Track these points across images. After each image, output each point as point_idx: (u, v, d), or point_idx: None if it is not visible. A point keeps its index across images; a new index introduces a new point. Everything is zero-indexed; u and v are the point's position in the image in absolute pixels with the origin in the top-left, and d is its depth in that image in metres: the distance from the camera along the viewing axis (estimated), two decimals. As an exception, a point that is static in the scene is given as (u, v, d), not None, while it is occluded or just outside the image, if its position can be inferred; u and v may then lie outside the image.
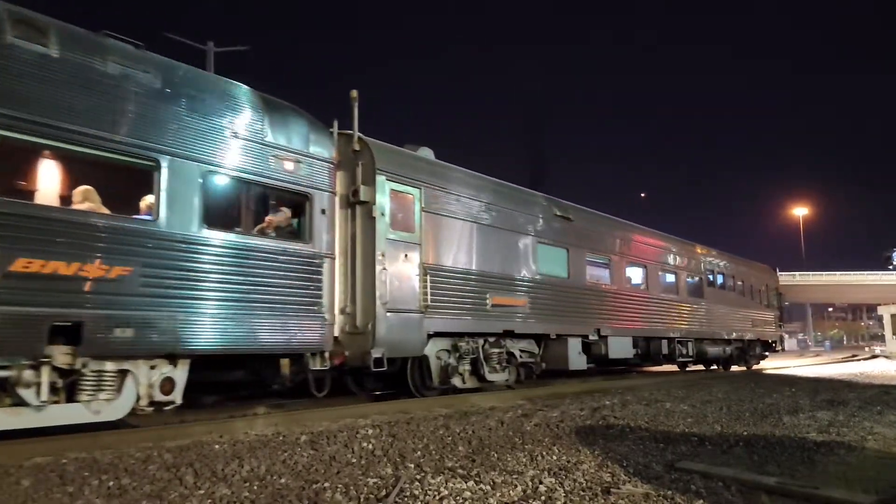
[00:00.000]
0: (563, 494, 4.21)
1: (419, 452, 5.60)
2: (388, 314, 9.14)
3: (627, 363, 16.95)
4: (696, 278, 19.29)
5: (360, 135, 9.42)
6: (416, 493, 4.18)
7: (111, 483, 4.40)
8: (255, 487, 4.37)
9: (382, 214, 9.31)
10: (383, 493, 4.22)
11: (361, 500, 4.10)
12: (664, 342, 16.78)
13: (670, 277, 17.96)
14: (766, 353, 25.24)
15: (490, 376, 11.23)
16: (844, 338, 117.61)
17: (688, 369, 21.42)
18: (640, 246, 16.41)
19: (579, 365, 13.05)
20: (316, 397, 9.05)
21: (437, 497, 4.11)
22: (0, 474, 4.65)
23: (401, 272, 9.52)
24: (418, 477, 4.60)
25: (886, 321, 45.68)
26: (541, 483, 4.46)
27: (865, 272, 65.29)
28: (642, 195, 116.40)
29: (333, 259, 8.82)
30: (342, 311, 8.97)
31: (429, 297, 9.88)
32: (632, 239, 16.21)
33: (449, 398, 10.16)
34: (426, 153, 11.47)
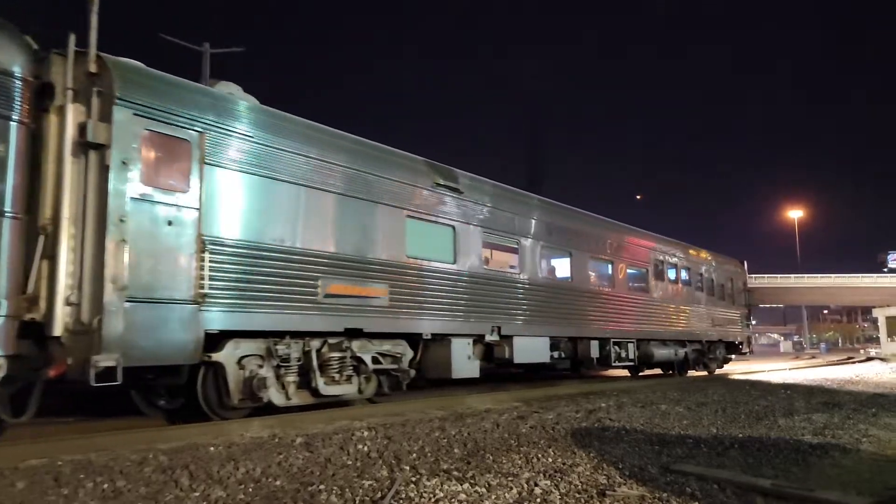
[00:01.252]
0: (559, 497, 4.22)
1: (414, 454, 5.60)
2: (129, 304, 6.58)
3: (555, 368, 15.34)
4: (641, 270, 16.81)
5: (100, 53, 6.87)
6: (412, 495, 4.18)
7: (106, 485, 4.39)
8: (251, 489, 4.37)
9: (124, 164, 6.75)
10: (378, 495, 4.22)
11: (357, 502, 4.09)
12: (594, 343, 14.22)
13: (605, 268, 15.46)
14: (732, 356, 23.07)
15: (328, 389, 8.69)
16: (840, 340, 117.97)
17: (641, 374, 19.06)
18: (564, 230, 13.77)
19: (468, 372, 10.74)
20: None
21: (433, 499, 4.11)
22: (-6, 476, 4.63)
23: (158, 246, 6.98)
24: (413, 479, 4.60)
25: (881, 324, 45.86)
26: (536, 485, 4.47)
27: (861, 275, 65.55)
28: (638, 196, 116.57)
29: (14, 219, 6.24)
30: (67, 302, 6.44)
31: (208, 281, 7.32)
32: (552, 221, 13.48)
33: (444, 399, 10.13)
34: (228, 89, 8.61)
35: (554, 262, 14.01)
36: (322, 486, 4.40)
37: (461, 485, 4.44)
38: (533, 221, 12.92)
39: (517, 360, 11.75)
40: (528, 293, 12.34)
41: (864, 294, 67.86)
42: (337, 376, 8.83)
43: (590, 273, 14.70)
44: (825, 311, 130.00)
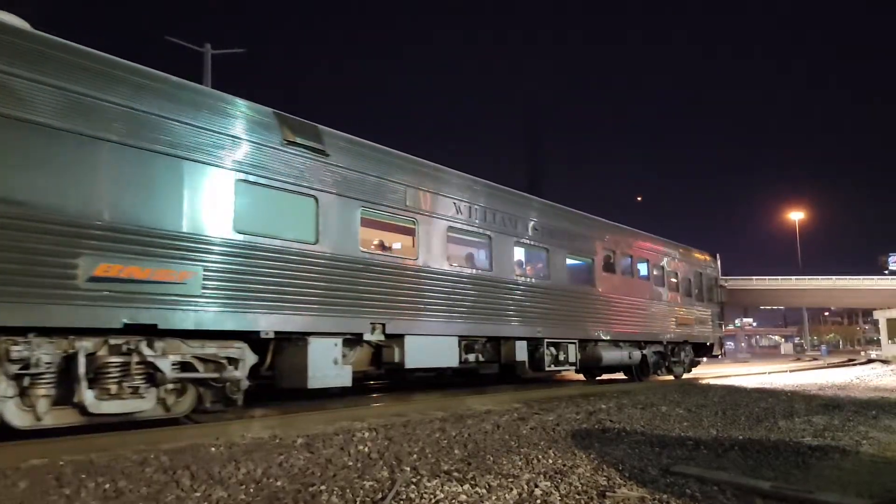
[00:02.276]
0: (559, 498, 4.23)
1: (415, 455, 5.61)
2: None
3: (477, 373, 13.45)
4: (586, 260, 14.53)
5: None
6: (412, 496, 4.20)
7: (107, 486, 4.41)
8: (252, 490, 4.38)
9: None
10: (379, 496, 4.23)
11: (358, 502, 4.11)
12: (521, 344, 12.03)
13: (537, 257, 13.35)
14: (702, 359, 20.98)
15: (101, 405, 6.53)
16: (840, 342, 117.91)
17: (599, 379, 17.52)
18: (482, 209, 11.54)
19: (333, 380, 8.54)
20: (311, 400, 8.81)
21: (433, 500, 4.12)
22: (-4, 476, 4.65)
23: None
24: (414, 480, 4.61)
25: (882, 326, 45.92)
26: (536, 487, 4.48)
27: (861, 277, 65.48)
28: (637, 198, 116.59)
29: None
30: None
31: None
32: (465, 198, 11.23)
33: (445, 400, 10.13)
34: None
35: (467, 247, 12.17)
36: (323, 487, 4.41)
37: (462, 486, 4.46)
38: (438, 198, 10.61)
39: (410, 363, 9.60)
40: (427, 284, 10.09)
41: (865, 296, 67.77)
42: (116, 388, 6.63)
43: (516, 262, 12.37)
44: (826, 313, 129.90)
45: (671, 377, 18.18)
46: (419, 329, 9.86)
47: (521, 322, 12.02)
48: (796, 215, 77.53)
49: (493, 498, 4.21)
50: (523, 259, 13.13)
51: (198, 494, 4.25)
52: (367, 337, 9.11)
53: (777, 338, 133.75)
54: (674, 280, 18.43)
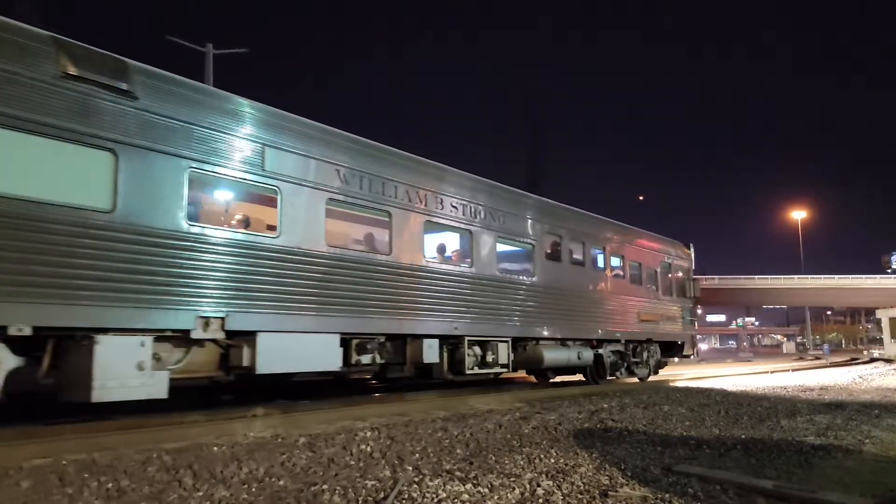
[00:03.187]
0: (561, 497, 4.23)
1: (417, 455, 5.61)
2: None
3: (384, 377, 11.22)
4: (524, 247, 12.56)
5: None
6: (415, 495, 4.20)
7: (110, 485, 4.41)
8: (254, 489, 4.38)
9: None
10: (381, 495, 4.23)
11: (360, 502, 4.11)
12: (431, 343, 10.11)
13: (455, 240, 11.47)
14: (674, 359, 19.40)
15: None
16: (843, 341, 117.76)
17: (552, 381, 15.60)
18: (376, 179, 9.46)
19: (135, 391, 6.64)
20: (314, 399, 8.70)
21: (435, 499, 4.13)
22: (0, 475, 4.66)
23: None
24: (416, 479, 4.61)
25: (885, 325, 45.84)
26: (538, 486, 4.48)
27: (864, 276, 65.36)
28: (640, 197, 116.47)
29: None
30: None
31: None
32: (353, 164, 9.16)
33: (447, 399, 10.14)
34: None
35: (358, 225, 10.39)
36: (325, 486, 4.42)
37: (464, 485, 4.46)
38: (312, 162, 8.61)
39: (265, 367, 7.71)
40: (292, 268, 8.21)
41: (868, 295, 67.66)
42: None
43: (426, 245, 10.40)
44: (828, 312, 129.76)
45: (635, 380, 16.25)
46: (279, 325, 7.93)
47: (432, 317, 10.07)
48: (798, 214, 77.45)
49: (496, 497, 4.21)
50: (437, 242, 11.31)
51: (200, 494, 4.25)
52: (197, 335, 7.17)
53: (779, 337, 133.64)
54: (636, 271, 16.29)
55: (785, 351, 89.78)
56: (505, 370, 11.68)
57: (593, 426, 7.49)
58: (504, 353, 11.51)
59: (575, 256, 13.96)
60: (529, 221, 12.62)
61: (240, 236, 7.79)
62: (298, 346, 8.20)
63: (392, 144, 10.31)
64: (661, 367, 17.79)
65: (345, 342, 8.84)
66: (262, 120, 8.18)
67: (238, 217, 8.58)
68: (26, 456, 5.30)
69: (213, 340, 7.53)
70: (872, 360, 40.42)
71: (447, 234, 11.36)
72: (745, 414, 8.73)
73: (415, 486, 4.42)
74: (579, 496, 4.26)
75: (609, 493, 4.33)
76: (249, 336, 7.68)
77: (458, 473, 4.82)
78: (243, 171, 7.86)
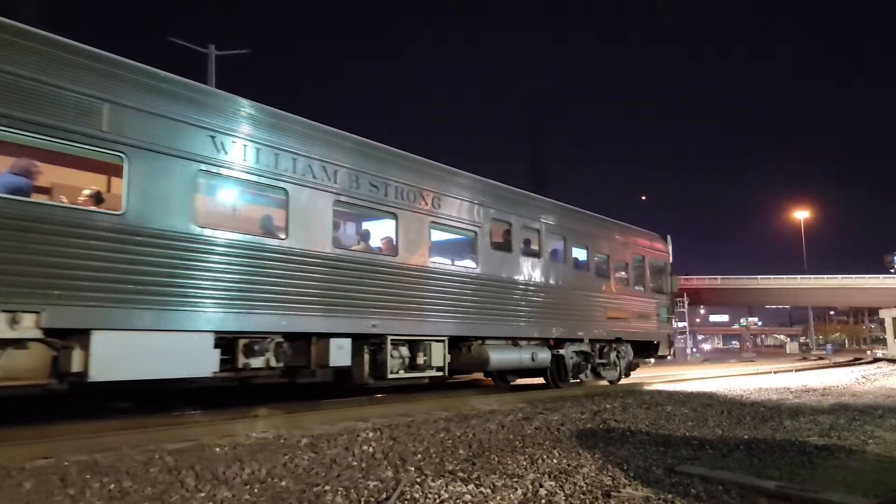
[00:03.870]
0: (564, 498, 4.22)
1: (419, 455, 5.61)
2: None
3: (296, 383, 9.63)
4: (464, 234, 11.14)
5: None
6: (417, 496, 4.19)
7: (112, 486, 4.42)
8: (256, 490, 4.38)
9: None
10: (384, 496, 4.23)
11: (362, 502, 4.11)
12: (341, 343, 8.70)
13: (373, 223, 10.19)
14: (650, 360, 18.09)
15: None
16: (846, 341, 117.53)
17: (514, 384, 14.29)
18: (255, 147, 7.90)
19: None
20: (315, 399, 8.58)
21: (438, 500, 4.12)
22: (2, 476, 4.67)
23: None
24: (419, 480, 4.61)
25: (888, 324, 45.66)
26: (541, 486, 4.47)
27: (867, 275, 65.28)
28: (643, 197, 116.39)
29: None
30: None
31: None
32: (223, 127, 7.61)
33: (449, 400, 10.13)
34: None
35: (244, 203, 8.95)
36: (327, 487, 4.42)
37: (466, 485, 4.45)
38: (174, 125, 7.18)
39: (101, 374, 6.30)
40: (144, 253, 6.76)
41: (871, 295, 67.58)
42: None
43: (337, 229, 9.13)
44: (832, 312, 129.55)
45: (604, 382, 14.85)
46: (122, 321, 6.51)
47: (341, 314, 8.65)
48: (801, 214, 77.30)
49: (498, 498, 4.20)
50: (351, 226, 10.22)
51: (202, 495, 4.25)
52: (3, 334, 5.83)
53: (782, 337, 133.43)
54: (603, 264, 14.75)
55: (788, 351, 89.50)
56: (440, 374, 10.20)
57: (596, 427, 7.48)
58: (438, 354, 10.05)
59: (528, 246, 12.48)
60: (471, 206, 11.02)
61: (58, 211, 6.27)
62: (152, 348, 6.78)
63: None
64: (633, 369, 16.11)
65: (229, 343, 7.58)
66: (101, 72, 6.67)
67: (66, 187, 7.20)
68: (28, 456, 5.32)
69: (42, 341, 6.13)
70: (876, 360, 40.31)
71: (365, 217, 10.15)
72: (748, 414, 8.72)
73: (417, 486, 4.42)
74: (582, 497, 4.26)
75: (612, 493, 4.32)
76: (82, 335, 6.28)
77: (460, 474, 4.82)
78: (71, 130, 6.35)
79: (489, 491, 4.34)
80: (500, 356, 11.24)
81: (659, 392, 12.55)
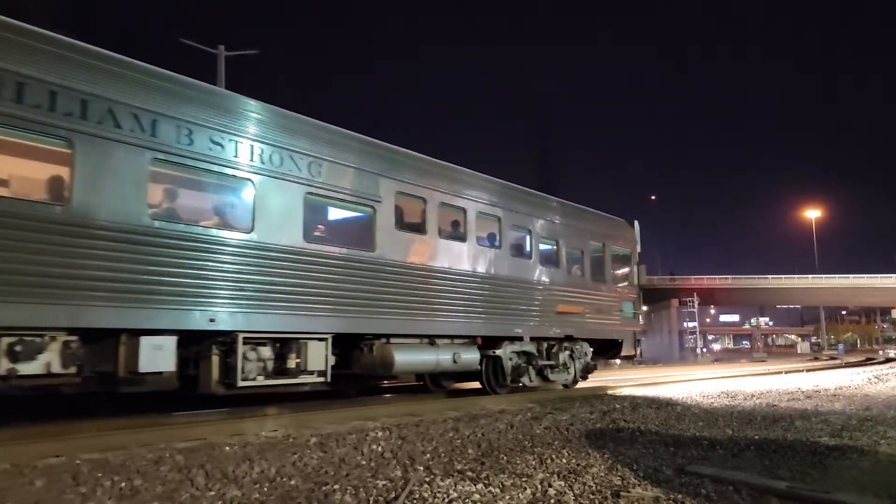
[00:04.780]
0: (573, 498, 4.21)
1: (428, 455, 5.61)
2: None
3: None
4: (357, 208, 9.25)
5: None
6: (426, 495, 4.19)
7: (123, 484, 4.44)
8: (266, 489, 4.39)
9: None
10: (392, 495, 4.23)
11: (371, 502, 4.11)
12: (157, 344, 6.82)
13: (218, 191, 8.10)
14: (615, 361, 16.36)
15: None
16: (858, 341, 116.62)
17: (451, 389, 12.74)
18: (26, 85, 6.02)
19: None
20: (324, 398, 8.47)
21: (447, 500, 4.12)
22: (14, 474, 4.70)
23: None
24: (427, 479, 4.61)
25: (901, 324, 45.28)
26: (550, 486, 4.46)
27: (878, 275, 64.71)
28: (652, 197, 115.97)
29: None
30: None
31: None
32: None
33: (458, 400, 10.11)
34: None
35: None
36: (336, 486, 4.42)
37: (475, 485, 4.45)
38: None
39: None
40: None
41: (883, 294, 67.00)
42: None
43: (160, 197, 7.43)
44: (843, 312, 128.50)
45: (558, 386, 13.01)
46: None
47: (159, 303, 6.79)
48: (812, 213, 76.75)
49: (507, 497, 4.19)
50: (179, 192, 7.75)
51: (212, 493, 4.27)
52: None
53: (794, 337, 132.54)
54: (552, 251, 12.87)
55: (799, 351, 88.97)
56: (321, 379, 8.32)
57: (605, 426, 7.46)
58: (318, 355, 8.24)
59: (450, 228, 10.66)
60: (367, 176, 9.09)
61: None
62: None
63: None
64: (591, 371, 13.98)
65: None
66: None
67: None
68: (40, 454, 5.36)
69: None
70: (888, 360, 40.01)
71: (204, 184, 7.90)
72: (759, 414, 8.66)
73: (426, 486, 4.42)
74: (591, 497, 4.24)
75: (621, 493, 4.30)
76: None
77: (469, 473, 4.82)
78: None
79: (498, 490, 4.34)
80: (408, 358, 9.45)
81: (634, 397, 12.48)
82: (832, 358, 51.08)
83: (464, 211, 10.70)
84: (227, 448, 5.81)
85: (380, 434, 6.65)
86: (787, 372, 22.84)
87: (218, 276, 7.27)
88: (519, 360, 11.68)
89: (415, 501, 4.09)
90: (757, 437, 6.74)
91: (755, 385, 14.87)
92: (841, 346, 69.18)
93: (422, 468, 5.02)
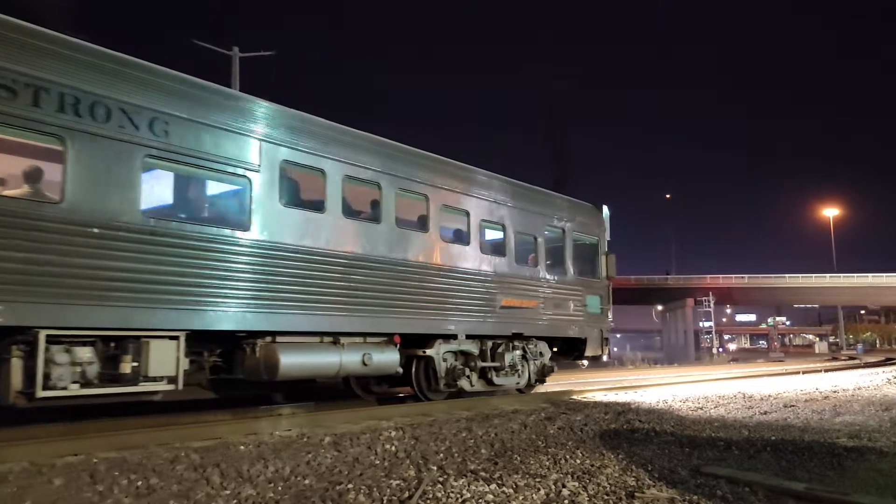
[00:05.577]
0: (587, 498, 4.20)
1: (441, 455, 5.61)
2: None
3: None
4: (226, 179, 7.76)
5: None
6: (439, 495, 4.20)
7: (140, 482, 4.49)
8: (280, 488, 4.42)
9: None
10: (406, 494, 4.24)
11: (384, 501, 4.12)
12: None
13: (33, 156, 6.52)
14: (582, 362, 14.69)
15: None
16: (878, 341, 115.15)
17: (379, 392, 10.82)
18: None
19: None
20: (337, 398, 8.43)
21: (460, 500, 4.12)
22: (33, 473, 4.76)
23: None
24: (441, 479, 4.61)
25: (921, 324, 44.68)
26: (564, 487, 4.45)
27: (897, 274, 63.87)
28: (667, 196, 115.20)
29: None
30: None
31: None
32: None
33: (470, 400, 10.10)
34: None
35: None
36: (350, 486, 4.44)
37: (488, 485, 4.45)
38: None
39: None
40: None
41: (903, 293, 66.16)
42: None
43: None
44: (862, 312, 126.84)
45: (513, 390, 11.36)
46: None
47: None
48: (830, 212, 75.90)
49: (521, 498, 4.19)
50: None
51: (227, 492, 4.30)
52: None
53: (811, 337, 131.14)
54: (496, 237, 11.37)
55: (817, 351, 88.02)
56: (171, 386, 6.74)
57: (620, 427, 7.42)
58: (165, 358, 6.70)
59: (357, 207, 9.04)
60: (239, 140, 7.55)
61: None
62: None
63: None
64: (548, 374, 12.18)
65: None
66: None
67: None
68: (59, 453, 5.42)
69: None
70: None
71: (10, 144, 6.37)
72: (775, 415, 8.57)
73: (439, 485, 4.42)
74: (605, 497, 4.23)
75: (635, 494, 4.28)
76: None
77: (482, 473, 4.81)
78: None
79: (511, 491, 4.33)
80: (298, 360, 7.93)
81: (645, 398, 12.39)
82: (851, 358, 50.47)
83: (378, 186, 9.03)
84: (242, 447, 5.85)
85: (393, 434, 6.66)
86: (804, 372, 22.59)
87: (5, 258, 5.69)
88: (456, 361, 10.16)
89: (428, 501, 4.10)
90: (773, 437, 6.67)
91: (772, 385, 14.73)
92: (860, 346, 68.40)
93: (435, 468, 5.03)
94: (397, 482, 4.55)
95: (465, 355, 10.32)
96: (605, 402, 10.07)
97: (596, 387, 14.29)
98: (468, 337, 10.20)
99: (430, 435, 6.62)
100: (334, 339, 8.46)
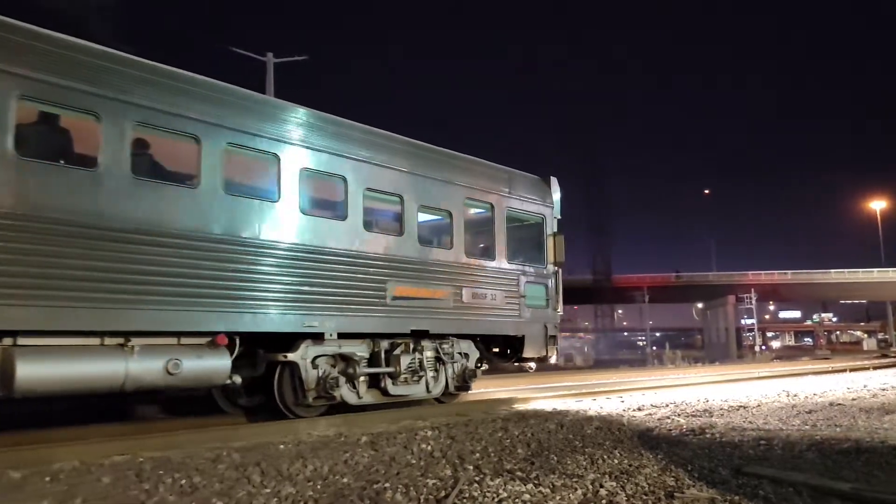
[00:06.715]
0: (625, 498, 4.16)
1: (478, 454, 5.62)
2: None
3: None
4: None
5: None
6: (475, 494, 4.20)
7: (183, 481, 4.60)
8: (319, 487, 4.49)
9: None
10: (442, 493, 4.26)
11: (421, 500, 4.15)
12: None
13: None
14: (529, 365, 11.37)
15: None
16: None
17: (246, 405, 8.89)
18: None
19: None
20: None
21: (496, 499, 4.12)
22: (83, 472, 4.92)
23: None
24: (477, 479, 4.62)
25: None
26: (601, 487, 4.42)
27: (952, 267, 61.53)
28: (705, 192, 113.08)
29: None
30: None
31: None
32: None
33: (507, 401, 10.06)
34: None
35: None
36: (387, 485, 4.48)
37: (525, 485, 4.44)
38: None
39: None
40: None
41: (957, 287, 63.72)
42: None
43: None
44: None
45: (436, 399, 9.70)
46: None
47: None
48: (877, 204, 73.48)
49: (558, 498, 4.17)
50: None
51: (268, 490, 4.38)
52: None
53: (859, 333, 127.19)
54: (391, 211, 9.33)
55: (866, 348, 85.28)
56: None
57: (658, 426, 7.32)
58: None
59: (161, 164, 7.04)
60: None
61: None
62: None
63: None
64: (472, 379, 10.04)
65: None
66: None
67: None
68: (106, 453, 5.58)
69: None
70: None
71: None
72: (820, 413, 8.36)
73: (476, 485, 4.43)
74: (644, 497, 4.18)
75: (675, 494, 4.23)
76: None
77: (519, 473, 4.81)
78: None
79: (548, 490, 4.32)
80: (47, 370, 5.79)
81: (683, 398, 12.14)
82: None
83: (197, 140, 6.92)
84: (282, 447, 5.95)
85: (429, 433, 6.69)
86: (851, 370, 21.94)
87: None
88: (332, 367, 8.13)
89: (465, 500, 4.11)
90: (818, 437, 6.50)
91: (817, 384, 14.34)
92: (910, 342, 66.07)
93: (471, 467, 5.04)
94: (434, 481, 4.58)
95: (345, 360, 8.28)
96: (642, 402, 9.93)
97: (627, 386, 14.12)
98: (347, 336, 8.18)
99: (466, 434, 6.64)
100: (126, 340, 6.36)
